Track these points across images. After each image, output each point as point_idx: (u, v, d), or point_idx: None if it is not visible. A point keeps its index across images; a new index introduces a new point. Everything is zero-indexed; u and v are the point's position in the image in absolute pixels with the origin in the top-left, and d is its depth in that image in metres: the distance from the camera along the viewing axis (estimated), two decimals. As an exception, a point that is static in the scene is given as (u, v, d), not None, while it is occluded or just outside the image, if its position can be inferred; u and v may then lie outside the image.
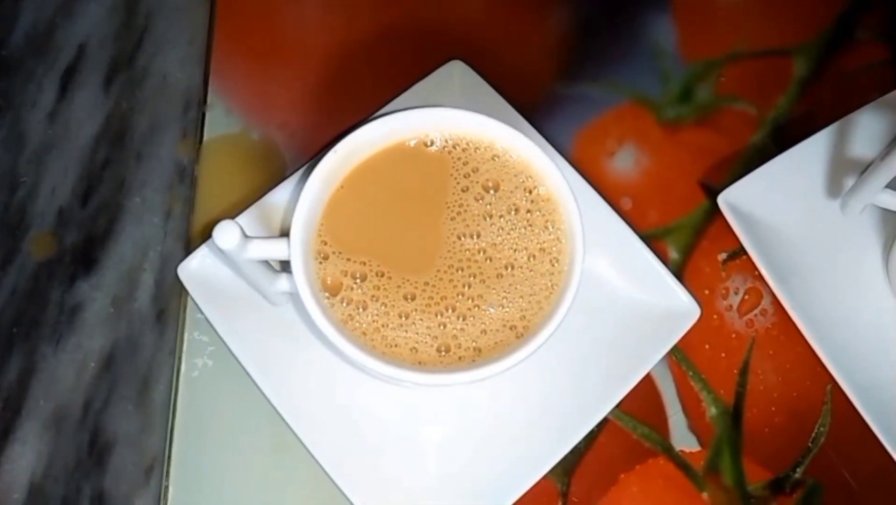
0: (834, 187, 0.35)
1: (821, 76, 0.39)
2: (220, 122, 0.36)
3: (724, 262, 0.36)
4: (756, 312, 0.35)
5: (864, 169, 0.32)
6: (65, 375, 0.31)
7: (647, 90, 0.39)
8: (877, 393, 0.32)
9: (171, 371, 0.31)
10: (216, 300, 0.28)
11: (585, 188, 0.33)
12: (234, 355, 0.28)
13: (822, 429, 0.33)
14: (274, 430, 0.30)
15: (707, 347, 0.35)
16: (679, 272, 0.36)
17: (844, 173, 0.34)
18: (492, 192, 0.25)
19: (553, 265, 0.24)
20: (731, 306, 0.35)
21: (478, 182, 0.25)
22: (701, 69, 0.39)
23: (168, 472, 0.30)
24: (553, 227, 0.25)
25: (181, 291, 0.32)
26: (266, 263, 0.25)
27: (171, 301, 0.32)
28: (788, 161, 0.34)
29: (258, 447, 0.31)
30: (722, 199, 0.34)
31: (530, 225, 0.25)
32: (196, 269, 0.29)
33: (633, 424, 0.33)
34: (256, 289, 0.26)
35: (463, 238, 0.24)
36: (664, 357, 0.34)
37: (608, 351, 0.32)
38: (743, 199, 0.34)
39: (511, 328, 0.24)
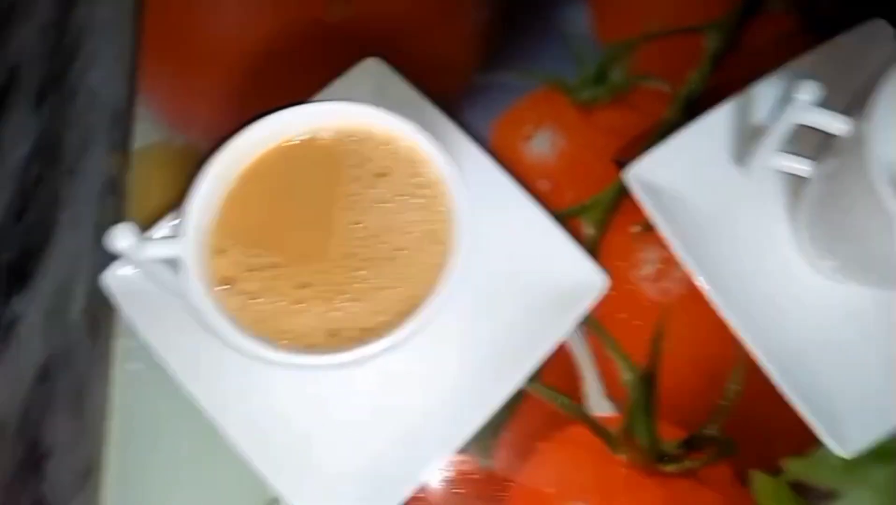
0: (738, 156, 0.36)
1: (732, 50, 0.41)
2: (147, 133, 0.37)
3: (638, 234, 0.37)
4: (670, 280, 0.37)
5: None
6: (1, 388, 0.33)
7: (562, 74, 0.40)
8: (783, 352, 0.33)
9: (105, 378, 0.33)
10: (139, 306, 0.30)
11: (494, 171, 0.35)
12: (159, 357, 0.30)
13: (734, 387, 0.35)
14: (205, 430, 0.31)
15: (623, 316, 0.36)
16: (594, 247, 0.37)
17: (748, 141, 0.36)
18: (383, 179, 0.27)
19: (441, 245, 0.26)
20: (645, 276, 0.37)
21: (370, 171, 0.27)
22: (615, 51, 0.41)
23: (103, 477, 0.32)
24: (440, 209, 0.26)
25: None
26: (170, 264, 0.26)
27: (103, 311, 0.34)
28: (692, 134, 0.36)
29: (191, 447, 0.33)
30: (628, 174, 0.35)
31: (419, 208, 0.27)
32: (119, 276, 0.31)
33: (551, 395, 0.35)
34: (166, 290, 0.28)
35: (355, 225, 0.26)
36: (580, 329, 0.36)
37: (520, 326, 0.33)
38: (649, 172, 0.35)
39: (402, 308, 0.26)
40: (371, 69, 0.37)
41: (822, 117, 0.28)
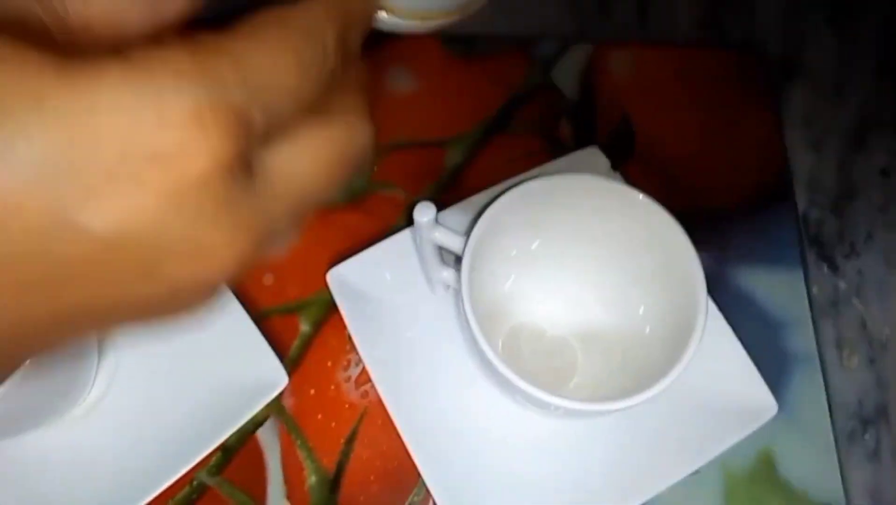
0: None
1: (472, 165, 0.43)
2: None
3: (350, 336, 0.38)
4: (371, 383, 0.37)
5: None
6: None
7: (306, 175, 0.42)
8: (449, 474, 0.33)
9: None
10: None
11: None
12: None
13: (415, 498, 0.35)
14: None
15: (320, 416, 0.37)
16: (307, 344, 0.38)
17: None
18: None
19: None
20: (349, 377, 0.37)
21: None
22: (359, 157, 0.42)
23: None
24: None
25: None
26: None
27: None
28: (394, 244, 0.37)
29: None
30: (330, 276, 0.36)
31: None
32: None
33: (231, 491, 0.35)
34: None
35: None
36: (274, 426, 0.36)
37: (195, 421, 0.34)
38: (349, 275, 0.36)
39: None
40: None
41: (442, 236, 0.30)
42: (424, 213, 0.29)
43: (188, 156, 0.13)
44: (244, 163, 0.14)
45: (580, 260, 0.35)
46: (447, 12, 0.20)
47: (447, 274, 0.33)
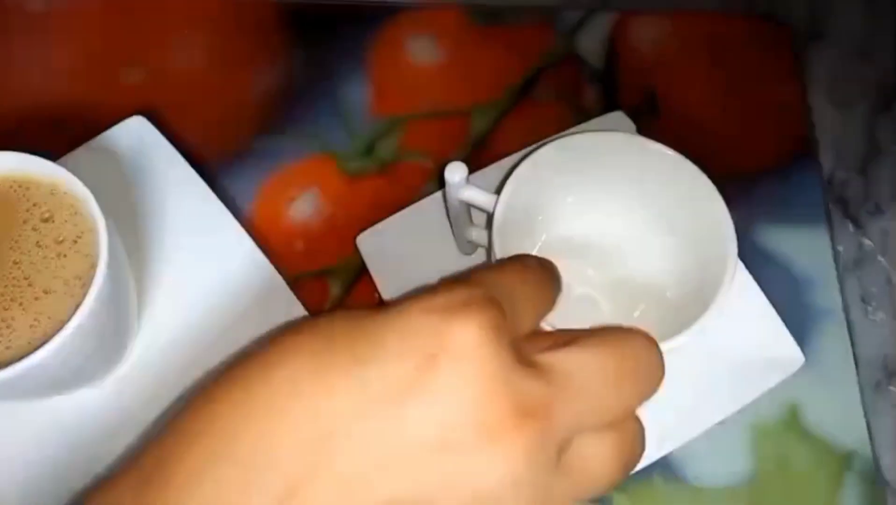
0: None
1: (497, 133, 0.44)
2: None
3: (380, 299, 0.39)
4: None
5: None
6: None
7: (334, 143, 0.43)
8: None
9: None
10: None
11: (231, 226, 0.37)
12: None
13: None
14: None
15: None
16: (337, 306, 0.39)
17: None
18: (46, 224, 0.28)
19: (82, 290, 0.27)
20: (380, 338, 0.38)
21: (36, 215, 0.28)
22: (386, 126, 0.43)
23: None
24: (90, 256, 0.28)
25: None
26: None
27: None
28: (422, 208, 0.38)
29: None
30: (360, 240, 0.37)
31: (73, 253, 0.28)
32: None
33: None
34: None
35: (14, 265, 0.28)
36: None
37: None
38: (379, 240, 0.37)
39: (34, 348, 0.26)
40: (134, 127, 0.39)
41: (474, 194, 0.31)
42: (456, 172, 0.30)
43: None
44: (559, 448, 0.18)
45: (611, 217, 0.35)
46: None
47: (476, 233, 0.34)
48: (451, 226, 0.35)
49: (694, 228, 0.32)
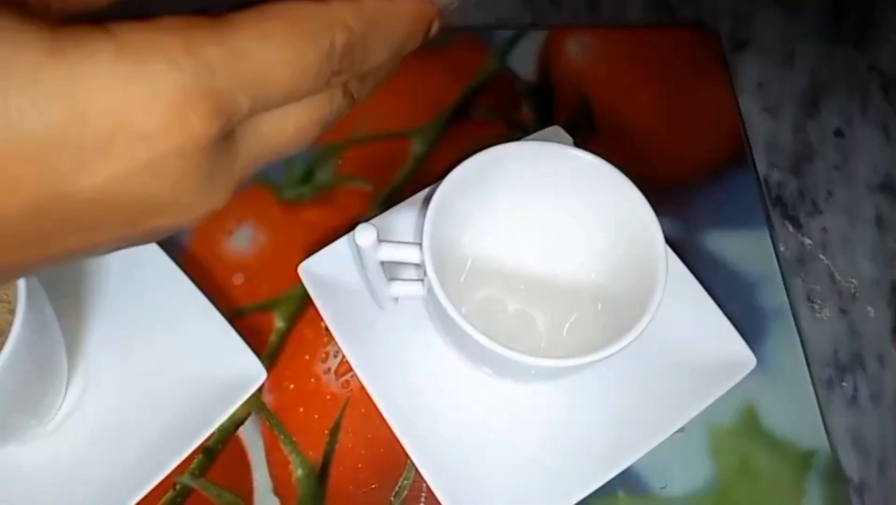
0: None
1: (435, 154, 0.43)
2: None
3: (327, 328, 0.38)
4: (351, 373, 0.37)
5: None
6: None
7: (270, 173, 0.42)
8: (435, 453, 0.33)
9: None
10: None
11: (166, 263, 0.35)
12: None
13: (405, 482, 0.35)
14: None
15: (301, 410, 0.36)
16: (283, 340, 0.37)
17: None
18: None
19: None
20: (329, 369, 0.37)
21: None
22: (323, 152, 0.43)
23: None
24: (9, 303, 0.26)
25: None
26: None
27: None
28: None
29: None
30: (301, 269, 0.36)
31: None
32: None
33: (218, 492, 0.34)
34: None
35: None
36: (255, 422, 0.35)
37: (174, 423, 0.33)
38: (318, 267, 0.36)
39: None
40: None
41: (394, 252, 0.29)
42: (366, 236, 0.28)
43: (170, 135, 0.15)
44: (223, 136, 0.16)
45: (543, 229, 0.35)
46: None
47: (397, 288, 0.33)
48: (369, 287, 0.33)
49: (628, 235, 0.32)
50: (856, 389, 0.38)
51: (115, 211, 0.15)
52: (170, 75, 0.14)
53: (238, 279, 0.39)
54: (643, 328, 0.27)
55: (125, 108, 0.14)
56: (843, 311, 0.40)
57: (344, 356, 0.37)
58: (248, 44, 0.15)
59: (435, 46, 0.45)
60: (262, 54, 0.16)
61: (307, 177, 0.42)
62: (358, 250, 0.28)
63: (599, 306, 0.33)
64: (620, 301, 0.31)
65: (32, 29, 0.14)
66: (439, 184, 0.31)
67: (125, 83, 0.14)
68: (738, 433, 0.36)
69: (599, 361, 0.27)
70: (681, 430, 0.33)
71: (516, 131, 0.44)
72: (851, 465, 0.36)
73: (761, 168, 0.44)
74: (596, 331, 0.32)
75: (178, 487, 0.34)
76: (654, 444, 0.32)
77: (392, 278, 0.32)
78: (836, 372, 0.39)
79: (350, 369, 0.37)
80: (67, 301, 0.35)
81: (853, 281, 0.41)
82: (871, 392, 0.38)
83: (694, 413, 0.33)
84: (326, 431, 0.36)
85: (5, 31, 0.13)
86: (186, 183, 0.16)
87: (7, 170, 0.14)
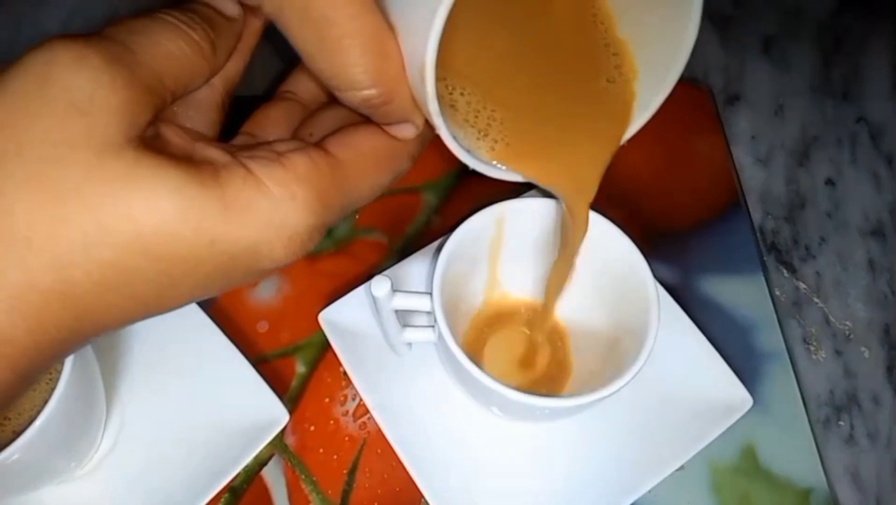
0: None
1: (447, 206, 0.46)
2: None
3: (345, 372, 0.40)
4: (368, 415, 0.39)
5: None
6: None
7: (292, 228, 0.44)
8: (450, 493, 0.35)
9: None
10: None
11: (194, 312, 0.38)
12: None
13: (420, 520, 0.37)
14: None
15: (321, 450, 0.38)
16: (304, 384, 0.40)
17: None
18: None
19: (48, 386, 0.28)
20: (347, 411, 0.39)
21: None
22: (341, 207, 0.45)
23: None
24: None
25: None
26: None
27: None
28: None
29: None
30: (321, 317, 0.39)
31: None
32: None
33: (242, 530, 0.36)
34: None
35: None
36: (279, 463, 0.37)
37: (202, 465, 0.35)
38: (339, 316, 0.39)
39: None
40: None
41: (407, 301, 0.31)
42: (381, 287, 0.30)
43: (293, 258, 0.23)
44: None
45: (538, 279, 0.37)
46: None
47: (409, 333, 0.35)
48: (384, 333, 0.36)
49: (622, 285, 0.34)
50: (852, 428, 0.40)
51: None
52: (307, 221, 0.22)
53: (262, 327, 0.41)
54: (640, 367, 0.29)
55: (271, 247, 0.22)
56: (838, 352, 0.42)
57: (361, 399, 0.39)
58: (351, 183, 0.24)
59: (445, 106, 0.48)
60: (359, 193, 0.26)
61: (328, 231, 0.44)
62: (374, 300, 0.31)
63: (601, 349, 0.35)
64: (619, 343, 0.33)
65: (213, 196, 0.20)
66: (449, 236, 0.33)
67: (277, 230, 0.22)
68: (738, 471, 0.37)
69: (600, 399, 0.29)
70: (680, 468, 0.35)
71: (522, 185, 0.46)
72: (849, 502, 0.38)
73: (756, 216, 0.46)
74: (602, 373, 0.34)
75: (206, 525, 0.35)
76: (654, 482, 0.34)
77: (406, 325, 0.35)
78: (833, 411, 0.40)
79: (367, 412, 0.39)
80: (104, 348, 0.37)
81: (847, 323, 0.43)
82: (868, 430, 0.40)
83: (693, 452, 0.35)
84: (345, 471, 0.38)
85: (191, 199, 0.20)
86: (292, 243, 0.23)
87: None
